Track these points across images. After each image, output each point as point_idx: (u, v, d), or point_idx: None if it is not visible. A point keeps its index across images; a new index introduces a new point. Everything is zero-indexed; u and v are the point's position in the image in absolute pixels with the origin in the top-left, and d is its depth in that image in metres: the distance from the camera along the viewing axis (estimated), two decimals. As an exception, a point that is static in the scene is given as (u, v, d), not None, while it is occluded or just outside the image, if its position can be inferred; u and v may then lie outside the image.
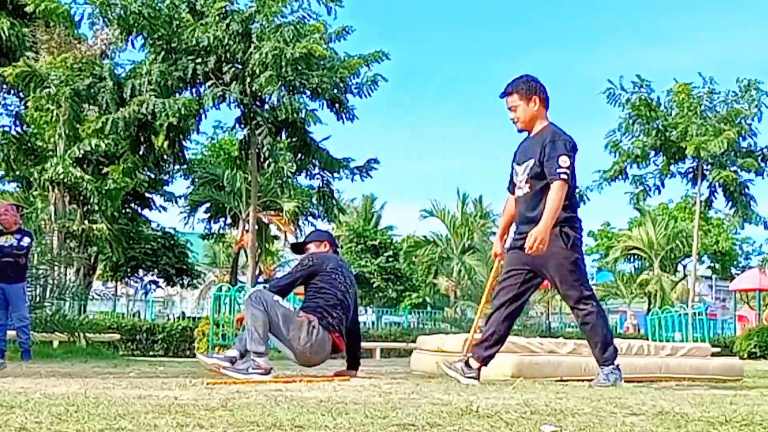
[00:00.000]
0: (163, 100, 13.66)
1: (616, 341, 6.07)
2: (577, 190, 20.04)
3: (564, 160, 4.26)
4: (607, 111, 17.54)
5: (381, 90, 15.17)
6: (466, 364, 4.42)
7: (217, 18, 13.89)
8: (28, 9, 14.32)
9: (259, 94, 14.23)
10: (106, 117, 13.89)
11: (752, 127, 17.12)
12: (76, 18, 14.68)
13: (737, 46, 69.58)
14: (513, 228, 4.68)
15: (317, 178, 16.19)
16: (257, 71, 13.71)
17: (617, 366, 4.41)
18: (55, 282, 12.97)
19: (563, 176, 4.23)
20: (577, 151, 4.35)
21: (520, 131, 4.58)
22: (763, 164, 17.23)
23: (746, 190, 17.40)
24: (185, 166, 20.78)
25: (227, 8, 14.03)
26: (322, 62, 14.40)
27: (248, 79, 14.04)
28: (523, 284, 4.44)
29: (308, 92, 14.77)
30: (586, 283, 4.45)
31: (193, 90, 14.92)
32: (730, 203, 17.58)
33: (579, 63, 72.63)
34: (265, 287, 5.52)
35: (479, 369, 4.42)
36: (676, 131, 16.98)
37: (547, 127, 4.44)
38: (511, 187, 4.62)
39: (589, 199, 17.94)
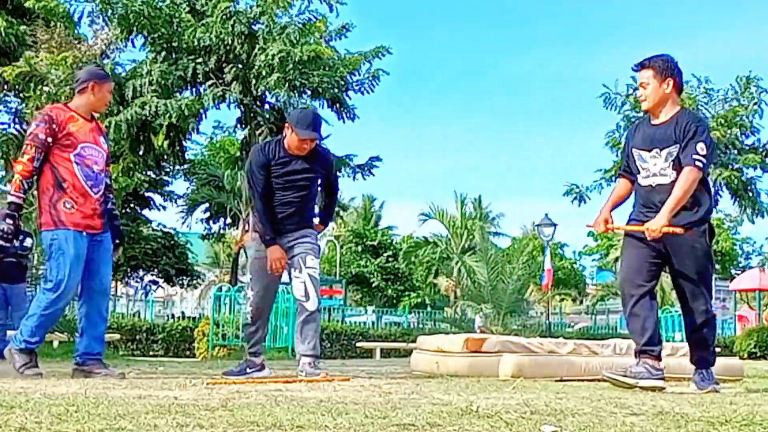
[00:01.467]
0: (165, 101, 13.67)
1: (617, 341, 6.10)
2: (575, 189, 19.90)
3: (702, 148, 4.08)
4: (606, 110, 17.51)
5: (381, 88, 15.19)
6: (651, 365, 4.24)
7: (222, 18, 13.87)
8: (28, 5, 14.29)
9: (265, 95, 14.23)
10: (109, 120, 13.88)
11: (753, 123, 17.11)
12: (76, 17, 14.70)
13: (737, 46, 69.60)
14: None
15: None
16: (263, 73, 13.70)
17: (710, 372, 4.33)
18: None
19: (698, 163, 4.06)
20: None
21: (645, 112, 4.39)
22: (766, 160, 17.22)
23: (753, 186, 17.40)
24: (186, 167, 20.79)
25: (231, 9, 14.02)
26: (324, 62, 14.41)
27: (253, 81, 14.03)
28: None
29: (309, 92, 14.79)
30: (710, 291, 4.31)
31: (193, 90, 14.93)
32: (735, 201, 17.57)
33: (579, 62, 72.63)
34: None
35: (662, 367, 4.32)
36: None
37: (683, 112, 4.29)
38: (628, 173, 4.42)
39: (589, 199, 17.94)
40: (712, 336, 4.36)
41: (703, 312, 4.26)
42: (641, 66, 4.32)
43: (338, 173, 15.81)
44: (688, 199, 4.11)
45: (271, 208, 4.77)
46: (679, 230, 4.11)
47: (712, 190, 17.48)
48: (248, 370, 4.95)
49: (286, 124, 4.85)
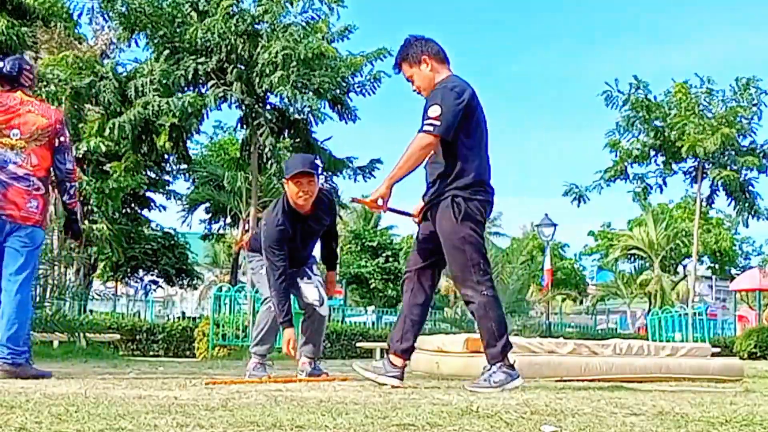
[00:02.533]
0: (167, 100, 13.64)
1: (617, 341, 6.10)
2: (575, 189, 19.79)
3: (434, 110, 3.83)
4: (606, 110, 17.48)
5: (381, 88, 15.15)
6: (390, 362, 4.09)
7: (224, 17, 13.84)
8: (28, 2, 14.27)
9: (267, 94, 14.20)
10: (113, 122, 13.86)
11: (752, 124, 17.10)
12: (75, 15, 14.69)
13: (736, 46, 69.59)
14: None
15: (319, 177, 16.15)
16: (266, 71, 13.67)
17: (508, 365, 3.90)
18: (55, 282, 12.96)
19: (426, 128, 3.83)
20: (465, 99, 3.90)
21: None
22: (764, 162, 17.21)
23: (750, 188, 17.38)
24: (187, 166, 20.80)
25: (234, 8, 14.00)
26: (326, 62, 14.39)
27: (257, 79, 13.99)
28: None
29: (310, 92, 14.77)
30: (479, 266, 3.89)
31: (195, 90, 14.91)
32: (732, 202, 17.56)
33: (579, 62, 72.64)
34: None
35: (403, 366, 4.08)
36: (675, 131, 16.98)
37: (442, 81, 4.02)
38: None
39: (589, 199, 17.93)
40: (491, 322, 3.90)
41: (470, 296, 3.93)
42: (397, 66, 4.20)
43: (339, 174, 15.86)
44: (443, 167, 3.91)
45: (286, 289, 4.70)
46: (367, 201, 4.08)
47: (709, 189, 17.61)
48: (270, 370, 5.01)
49: (284, 180, 4.75)
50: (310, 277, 4.88)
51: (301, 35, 13.76)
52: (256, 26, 14.21)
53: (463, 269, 3.91)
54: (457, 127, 3.89)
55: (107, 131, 14.06)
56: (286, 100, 14.17)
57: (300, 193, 4.59)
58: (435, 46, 4.13)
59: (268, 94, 14.57)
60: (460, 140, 3.92)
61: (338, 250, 5.31)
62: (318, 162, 4.94)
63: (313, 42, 13.65)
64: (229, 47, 14.13)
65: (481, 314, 3.92)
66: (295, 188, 4.59)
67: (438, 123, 3.82)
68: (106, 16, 14.38)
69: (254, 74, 14.08)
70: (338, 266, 5.46)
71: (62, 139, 4.67)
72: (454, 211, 3.87)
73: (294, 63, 13.45)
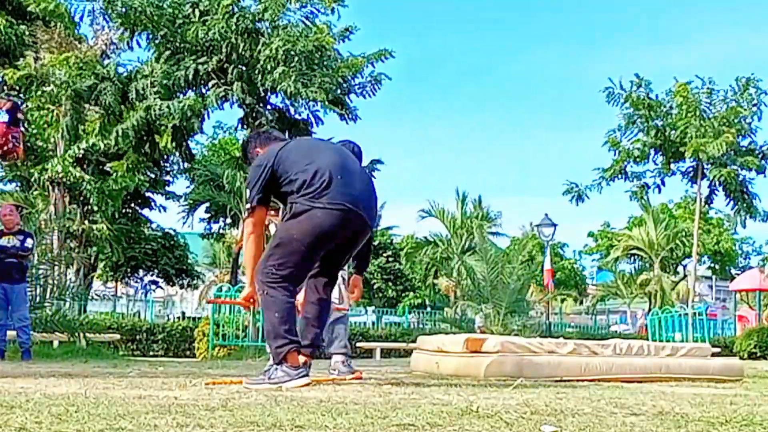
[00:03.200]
0: (168, 103, 13.64)
1: (617, 341, 6.10)
2: (575, 188, 19.68)
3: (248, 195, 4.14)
4: (606, 110, 17.46)
5: (382, 88, 15.15)
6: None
7: (225, 15, 13.83)
8: (31, 8, 14.30)
9: (269, 94, 14.21)
10: (117, 128, 13.86)
11: (752, 125, 17.09)
12: (77, 17, 14.70)
13: (736, 46, 69.58)
14: None
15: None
16: (268, 67, 13.65)
17: (291, 365, 3.90)
18: (55, 282, 12.98)
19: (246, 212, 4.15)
20: (265, 164, 4.03)
21: None
22: (763, 162, 17.19)
23: (748, 188, 17.37)
24: (189, 165, 20.81)
25: (234, 8, 14.00)
26: (327, 62, 14.39)
27: (258, 77, 13.98)
28: None
29: (315, 86, 14.78)
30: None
31: (196, 90, 14.92)
32: (731, 202, 17.54)
33: (579, 62, 72.65)
34: None
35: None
36: (676, 131, 16.96)
37: None
38: None
39: (588, 198, 17.92)
40: (269, 323, 3.96)
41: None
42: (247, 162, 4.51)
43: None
44: None
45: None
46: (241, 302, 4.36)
47: (708, 189, 17.61)
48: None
49: None
50: None
51: (301, 31, 13.75)
52: (257, 24, 14.21)
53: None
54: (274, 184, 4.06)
55: (112, 137, 14.06)
56: (287, 99, 14.17)
57: None
58: (260, 139, 4.39)
59: (269, 94, 14.57)
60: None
61: (370, 256, 5.20)
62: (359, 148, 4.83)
63: (312, 36, 13.65)
64: (229, 47, 14.13)
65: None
66: None
67: (249, 207, 4.07)
68: (106, 17, 14.38)
69: (256, 72, 14.08)
70: (364, 273, 5.20)
71: None
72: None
73: (295, 58, 13.45)
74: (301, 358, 3.99)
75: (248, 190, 4.10)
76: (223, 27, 13.82)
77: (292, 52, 13.40)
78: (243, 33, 14.05)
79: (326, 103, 14.36)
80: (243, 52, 14.15)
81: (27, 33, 15.70)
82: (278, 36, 13.67)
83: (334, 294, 4.80)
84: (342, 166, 4.05)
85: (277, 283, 3.90)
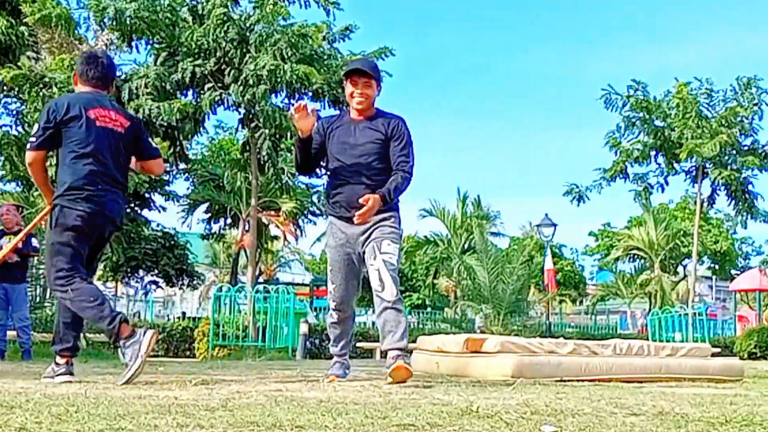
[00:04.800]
0: (158, 104, 13.63)
1: (617, 341, 6.09)
2: (575, 189, 19.82)
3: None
4: (606, 110, 17.43)
5: (381, 88, 15.13)
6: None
7: (216, 23, 13.86)
8: (29, 20, 14.31)
9: (254, 103, 14.24)
10: None
11: (753, 124, 17.07)
12: (78, 20, 14.69)
13: (736, 46, 69.58)
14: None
15: (321, 177, 16.18)
16: (251, 81, 13.74)
17: (59, 363, 4.26)
18: (56, 282, 12.96)
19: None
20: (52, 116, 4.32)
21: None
22: (765, 161, 17.18)
23: (749, 188, 17.36)
24: (186, 166, 20.78)
25: (225, 16, 13.99)
26: (327, 61, 14.37)
27: (248, 86, 14.01)
28: None
29: (310, 93, 14.76)
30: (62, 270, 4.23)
31: (194, 92, 14.91)
32: (732, 202, 17.53)
33: (579, 62, 72.66)
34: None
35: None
36: (676, 132, 16.96)
37: None
38: None
39: (589, 198, 17.91)
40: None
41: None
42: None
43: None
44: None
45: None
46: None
47: (710, 189, 17.59)
48: (347, 371, 4.69)
49: (342, 78, 4.78)
50: (375, 257, 4.36)
51: (293, 41, 13.75)
52: (246, 34, 14.21)
53: (47, 270, 4.33)
54: None
55: None
56: (287, 99, 14.18)
57: (354, 94, 4.51)
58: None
59: (270, 94, 14.56)
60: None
61: (402, 174, 4.61)
62: (378, 69, 4.84)
63: (301, 55, 13.70)
64: (222, 52, 14.17)
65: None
66: (350, 87, 4.53)
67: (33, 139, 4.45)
68: (101, 24, 14.39)
69: (248, 79, 14.12)
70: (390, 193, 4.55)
71: None
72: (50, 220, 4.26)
73: (281, 81, 13.54)
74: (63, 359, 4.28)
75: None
76: (217, 33, 13.86)
77: (276, 75, 13.45)
78: (232, 41, 14.07)
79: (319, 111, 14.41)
80: (233, 58, 14.18)
81: (27, 33, 15.67)
82: (266, 52, 13.70)
83: (375, 281, 4.38)
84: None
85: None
